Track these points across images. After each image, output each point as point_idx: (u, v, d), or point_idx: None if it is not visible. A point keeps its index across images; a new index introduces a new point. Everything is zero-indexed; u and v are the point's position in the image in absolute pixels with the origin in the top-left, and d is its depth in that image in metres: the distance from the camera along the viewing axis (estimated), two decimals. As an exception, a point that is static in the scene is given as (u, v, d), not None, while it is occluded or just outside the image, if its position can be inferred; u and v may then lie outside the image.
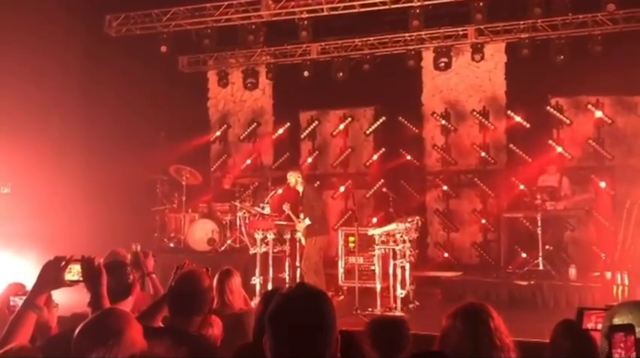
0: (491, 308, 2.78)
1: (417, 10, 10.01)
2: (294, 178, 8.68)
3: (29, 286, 3.67)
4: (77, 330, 2.16)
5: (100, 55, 10.41)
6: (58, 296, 4.03)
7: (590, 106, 10.59)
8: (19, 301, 3.38)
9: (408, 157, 11.62)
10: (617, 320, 2.17)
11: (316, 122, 12.37)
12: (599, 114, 10.51)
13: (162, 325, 3.09)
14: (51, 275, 2.67)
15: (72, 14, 10.05)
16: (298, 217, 8.64)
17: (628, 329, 2.04)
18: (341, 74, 11.74)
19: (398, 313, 7.44)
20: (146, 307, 3.25)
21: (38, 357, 2.45)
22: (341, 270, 9.29)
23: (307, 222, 8.48)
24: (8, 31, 8.78)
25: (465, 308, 2.75)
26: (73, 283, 2.75)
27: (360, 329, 3.48)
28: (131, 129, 10.50)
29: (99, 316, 2.32)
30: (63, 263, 2.68)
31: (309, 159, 12.27)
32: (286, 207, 8.77)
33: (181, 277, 3.01)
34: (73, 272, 2.72)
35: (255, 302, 5.70)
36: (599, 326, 2.35)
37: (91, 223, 8.91)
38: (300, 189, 8.70)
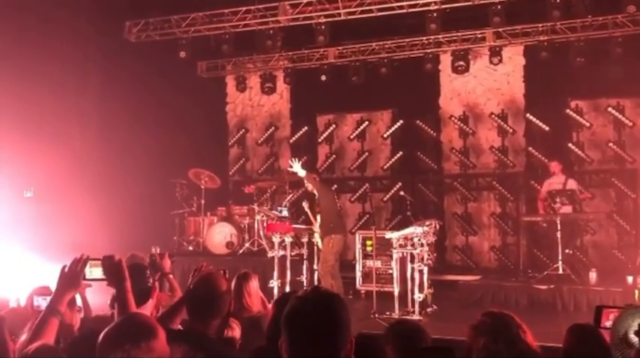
0: (515, 316, 2.76)
1: (435, 14, 9.97)
2: (310, 184, 8.72)
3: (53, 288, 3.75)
4: (103, 333, 2.13)
5: (119, 60, 10.54)
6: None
7: (610, 109, 10.47)
8: (42, 301, 3.46)
9: (426, 160, 11.60)
10: (632, 336, 2.15)
11: (333, 126, 12.40)
12: (619, 116, 10.38)
13: (180, 327, 3.13)
14: (69, 279, 2.70)
15: (92, 21, 10.22)
16: (316, 219, 8.67)
17: None
18: (358, 78, 11.76)
19: (416, 317, 7.41)
20: (165, 308, 3.29)
21: (62, 357, 2.50)
22: (358, 274, 9.29)
23: (318, 218, 8.50)
24: (28, 39, 8.95)
25: (492, 324, 2.69)
26: (93, 281, 2.78)
27: (378, 332, 3.49)
28: (150, 133, 10.62)
29: (127, 318, 2.31)
30: (80, 265, 2.71)
31: (327, 163, 12.31)
32: (305, 205, 8.84)
33: (199, 280, 3.03)
34: (94, 271, 2.76)
35: (272, 305, 5.72)
36: None
37: (112, 226, 9.03)
38: (316, 193, 8.74)
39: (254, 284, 4.54)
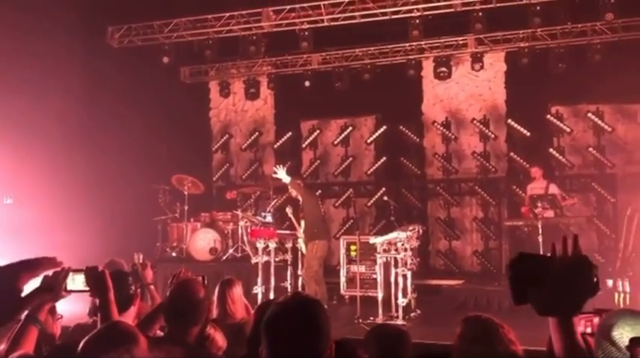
0: (498, 320, 2.79)
1: (417, 20, 10.06)
2: (295, 190, 8.71)
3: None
4: (85, 340, 2.11)
5: (102, 66, 10.46)
6: (62, 307, 4.07)
7: (590, 115, 10.62)
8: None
9: (410, 166, 11.66)
10: (615, 333, 2.17)
11: (317, 131, 12.43)
12: (599, 122, 10.54)
13: (161, 333, 3.11)
14: (49, 289, 2.67)
15: (74, 26, 10.12)
16: (300, 224, 8.67)
17: None
18: (342, 84, 11.80)
19: (400, 322, 7.44)
20: (144, 316, 3.27)
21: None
22: (343, 279, 9.31)
23: (302, 224, 8.50)
24: (10, 44, 8.85)
25: (476, 332, 2.73)
26: (75, 292, 2.75)
27: (359, 338, 3.50)
28: (133, 139, 10.54)
29: (109, 325, 2.30)
30: (61, 276, 2.68)
31: (311, 168, 12.32)
32: (289, 211, 8.83)
33: (176, 288, 3.00)
34: (77, 282, 2.72)
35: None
36: (589, 330, 2.36)
37: (93, 233, 8.93)
38: (300, 199, 8.73)
39: (237, 290, 4.53)
